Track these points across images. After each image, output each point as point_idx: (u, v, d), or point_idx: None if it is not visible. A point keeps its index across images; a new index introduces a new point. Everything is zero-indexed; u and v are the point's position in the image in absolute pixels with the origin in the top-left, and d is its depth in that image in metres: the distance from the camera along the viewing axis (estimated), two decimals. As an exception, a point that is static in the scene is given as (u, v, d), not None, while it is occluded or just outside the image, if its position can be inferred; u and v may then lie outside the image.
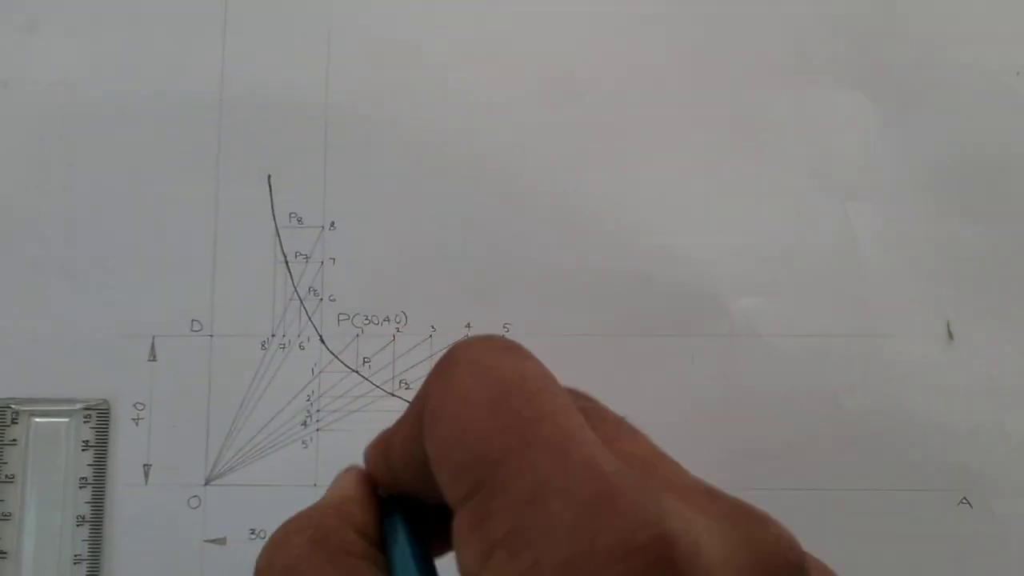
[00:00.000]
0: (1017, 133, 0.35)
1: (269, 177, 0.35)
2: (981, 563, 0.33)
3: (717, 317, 0.34)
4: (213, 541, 0.34)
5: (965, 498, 0.33)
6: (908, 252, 0.34)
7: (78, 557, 0.34)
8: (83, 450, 0.34)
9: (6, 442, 0.34)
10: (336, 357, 0.35)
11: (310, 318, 0.35)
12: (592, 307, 0.34)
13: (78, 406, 0.34)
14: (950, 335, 0.34)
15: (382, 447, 0.17)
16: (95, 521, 0.34)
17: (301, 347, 0.35)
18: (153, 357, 0.35)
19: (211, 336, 0.35)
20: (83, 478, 0.34)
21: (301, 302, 0.35)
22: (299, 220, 0.35)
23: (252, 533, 0.34)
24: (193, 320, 0.35)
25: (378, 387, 0.34)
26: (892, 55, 0.35)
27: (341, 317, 0.35)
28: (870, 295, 0.34)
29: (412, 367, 0.34)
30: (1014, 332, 0.34)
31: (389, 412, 0.34)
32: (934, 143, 0.35)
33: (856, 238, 0.34)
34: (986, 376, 0.34)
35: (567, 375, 0.34)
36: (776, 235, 0.35)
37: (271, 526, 0.33)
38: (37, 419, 0.34)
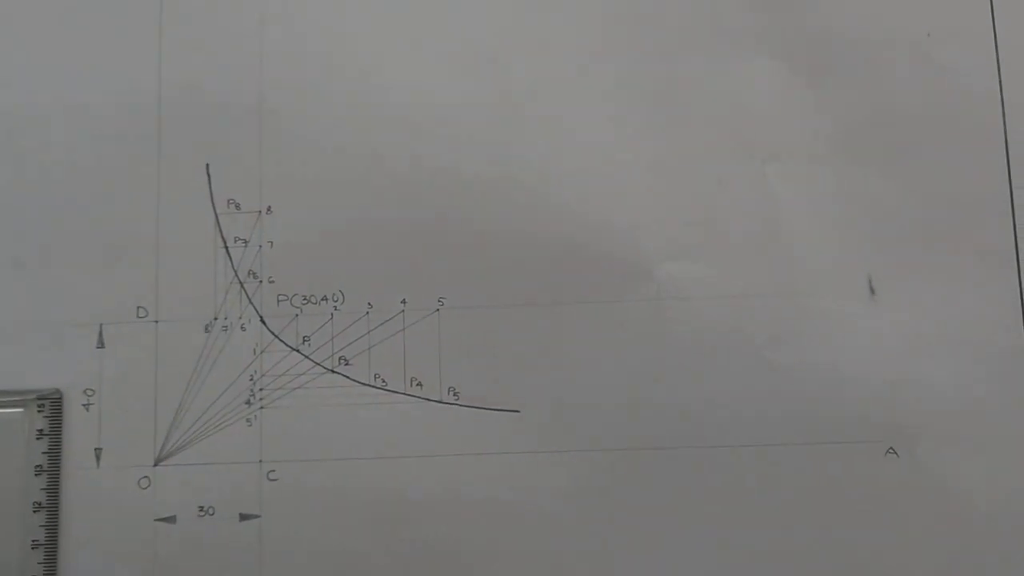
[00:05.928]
0: (929, 92, 0.35)
1: (207, 166, 0.36)
2: (909, 509, 0.34)
3: (643, 282, 0.35)
4: (164, 520, 0.35)
5: (892, 448, 0.34)
6: (827, 211, 0.35)
7: (35, 542, 0.35)
8: (37, 439, 0.35)
9: (-39, 432, 0.35)
10: (277, 337, 0.36)
11: (250, 300, 0.36)
12: (523, 278, 0.35)
13: (31, 396, 0.36)
14: (871, 290, 0.35)
15: None
16: (51, 506, 0.35)
17: (243, 328, 0.36)
18: (101, 344, 0.36)
19: (156, 322, 0.36)
20: (38, 466, 0.35)
21: (241, 285, 0.36)
22: (237, 206, 0.36)
23: (200, 511, 0.35)
24: (139, 307, 0.36)
25: (318, 364, 0.35)
26: (804, 18, 0.36)
27: (280, 298, 0.36)
28: (791, 254, 0.35)
29: (350, 344, 0.35)
30: (932, 285, 0.35)
31: (329, 388, 0.35)
32: (848, 104, 0.36)
33: (776, 199, 0.35)
34: (907, 329, 0.34)
35: (502, 345, 0.35)
36: (698, 200, 0.36)
37: (218, 503, 0.34)
38: (-8, 410, 0.35)
